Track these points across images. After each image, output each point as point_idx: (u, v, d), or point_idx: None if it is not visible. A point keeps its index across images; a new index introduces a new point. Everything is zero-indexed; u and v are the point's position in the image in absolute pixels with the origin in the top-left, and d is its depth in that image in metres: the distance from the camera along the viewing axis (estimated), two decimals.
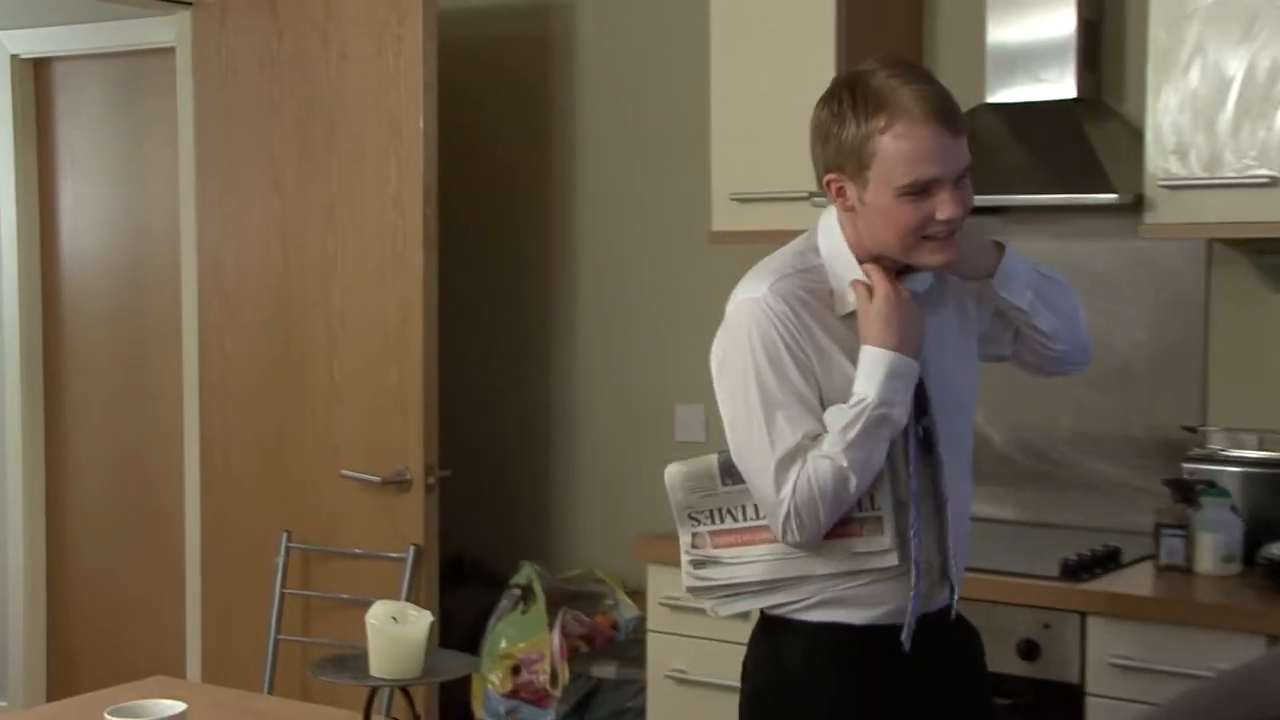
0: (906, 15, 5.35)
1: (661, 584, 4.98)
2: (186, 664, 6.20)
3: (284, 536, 5.57)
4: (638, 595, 5.45)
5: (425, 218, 5.35)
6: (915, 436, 3.20)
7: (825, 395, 3.15)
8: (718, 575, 3.39)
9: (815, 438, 3.13)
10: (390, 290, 5.45)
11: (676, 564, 4.90)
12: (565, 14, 6.08)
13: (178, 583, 6.32)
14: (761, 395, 3.14)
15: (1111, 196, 4.43)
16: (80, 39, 6.69)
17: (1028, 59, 4.94)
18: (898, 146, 2.99)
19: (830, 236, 3.23)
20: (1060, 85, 4.89)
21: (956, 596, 3.32)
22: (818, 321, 3.18)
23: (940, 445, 3.23)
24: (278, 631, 5.52)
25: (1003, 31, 4.95)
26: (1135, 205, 4.45)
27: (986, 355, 3.47)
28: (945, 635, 3.31)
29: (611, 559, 5.90)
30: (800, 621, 3.28)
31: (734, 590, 3.38)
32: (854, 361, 3.13)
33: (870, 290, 3.15)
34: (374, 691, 1.63)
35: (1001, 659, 4.32)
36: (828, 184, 3.16)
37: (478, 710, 5.49)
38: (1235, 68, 4.40)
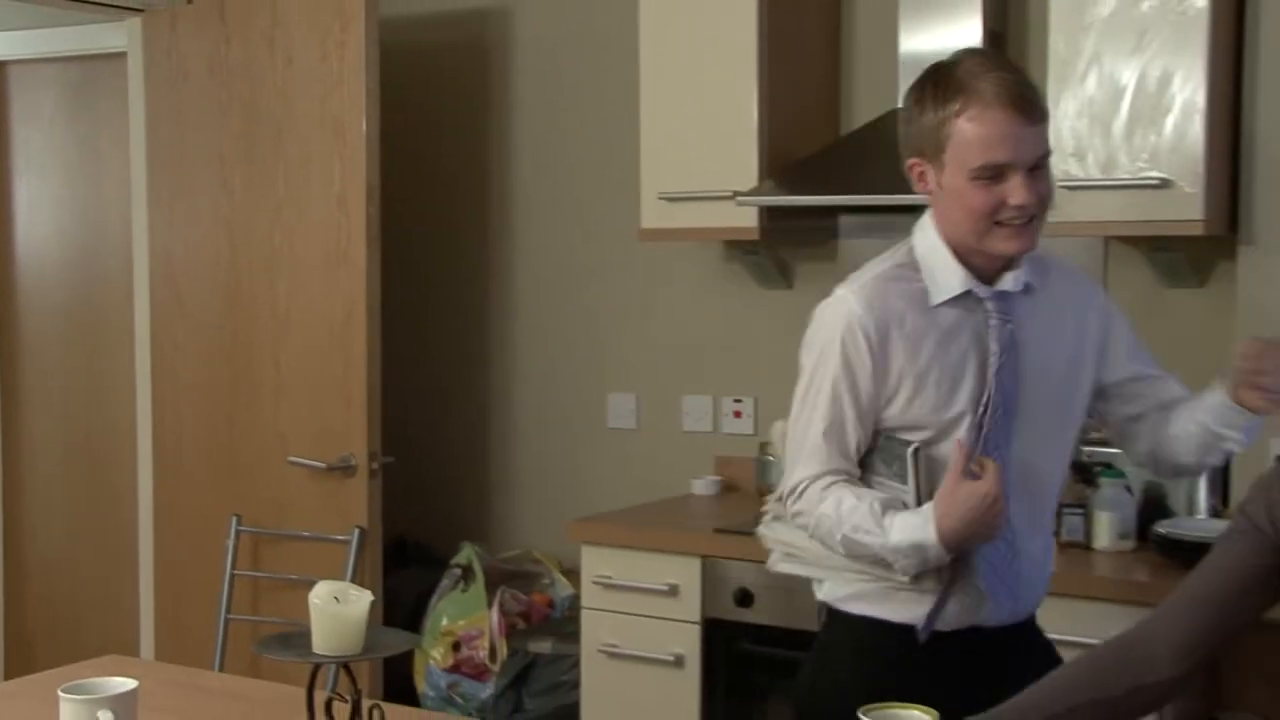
0: (824, 25, 5.38)
1: (594, 563, 5.00)
2: (140, 643, 6.18)
3: (233, 520, 5.56)
4: (572, 574, 5.46)
5: (368, 217, 5.35)
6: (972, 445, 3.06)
7: (904, 380, 3.08)
8: (781, 533, 3.34)
9: (838, 471, 3.14)
10: (335, 285, 5.45)
11: (608, 545, 4.97)
12: (502, 22, 6.09)
13: (131, 565, 6.31)
14: (829, 403, 3.13)
15: None
16: (35, 43, 6.65)
17: None
18: (971, 130, 2.94)
19: (926, 232, 3.15)
20: None
21: (1019, 613, 3.20)
22: (902, 319, 3.10)
23: (1010, 454, 3.09)
24: (228, 611, 5.51)
25: (914, 40, 4.97)
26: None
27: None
28: (1005, 651, 3.15)
29: (547, 540, 5.90)
30: (845, 614, 3.25)
31: (790, 551, 3.34)
32: (939, 349, 3.08)
33: (969, 458, 2.98)
34: (316, 668, 1.65)
35: None
36: (910, 168, 3.12)
37: (420, 685, 5.49)
38: (1128, 77, 4.47)
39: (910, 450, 3.06)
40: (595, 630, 5.02)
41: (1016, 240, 3.00)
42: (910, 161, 3.10)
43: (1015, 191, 2.94)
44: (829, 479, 3.14)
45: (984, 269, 3.09)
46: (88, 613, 6.75)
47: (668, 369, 5.82)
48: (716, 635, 4.80)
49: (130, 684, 2.55)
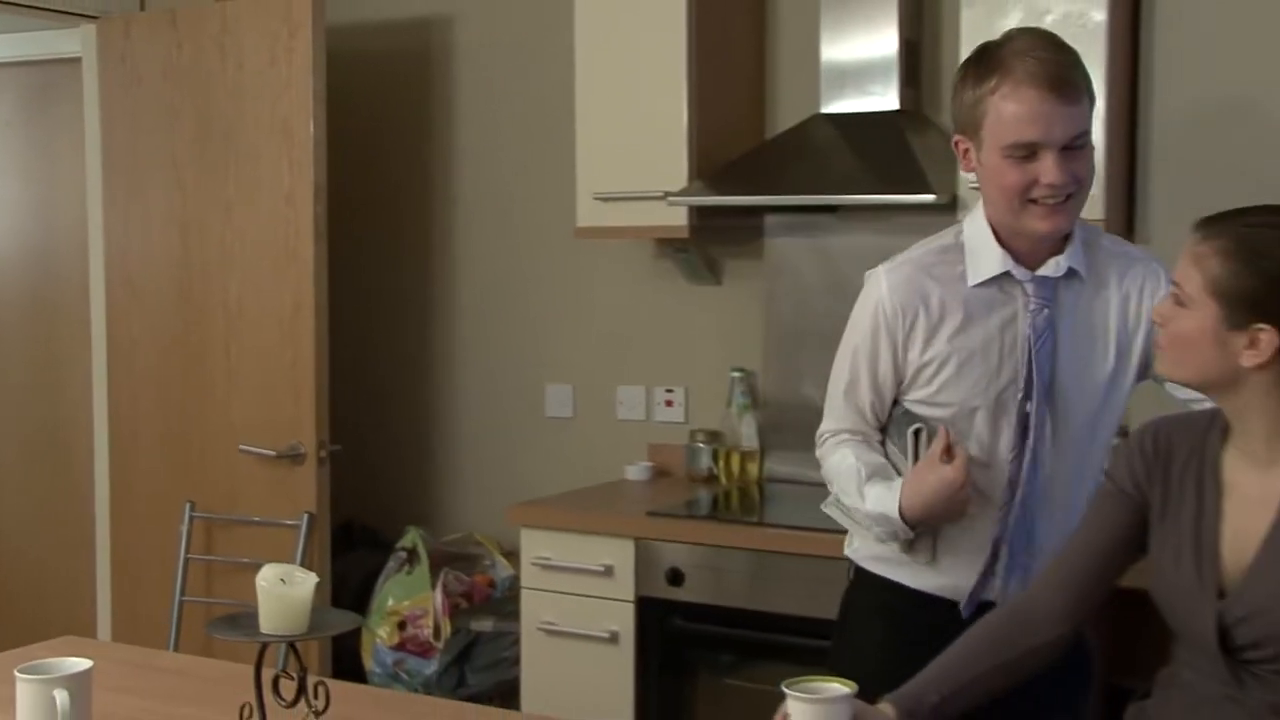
0: (749, 35, 5.39)
1: (533, 545, 5.00)
2: (97, 625, 6.17)
3: (187, 506, 5.54)
4: (512, 556, 5.47)
5: (315, 215, 5.36)
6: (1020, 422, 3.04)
7: (928, 361, 3.05)
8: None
9: (854, 431, 3.20)
10: (284, 281, 5.46)
11: (546, 528, 4.98)
12: (444, 30, 6.09)
13: (89, 550, 6.29)
14: (850, 367, 3.18)
15: (930, 197, 4.46)
16: None
17: (856, 75, 4.98)
18: (1005, 107, 2.88)
19: (975, 215, 3.10)
20: (885, 98, 4.94)
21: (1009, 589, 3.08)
22: (929, 304, 3.05)
23: (1045, 439, 3.04)
24: (182, 594, 5.49)
25: (834, 50, 5.00)
26: (951, 204, 4.50)
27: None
28: None
29: (488, 524, 5.90)
30: (866, 572, 3.26)
31: (833, 494, 3.30)
32: (968, 334, 3.04)
33: (949, 451, 2.98)
34: (264, 647, 1.67)
35: (837, 605, 4.44)
36: (955, 145, 3.05)
37: (368, 662, 5.48)
38: None
39: (912, 430, 3.06)
40: (534, 609, 5.02)
41: (1050, 219, 2.94)
42: (956, 139, 3.05)
43: (1048, 170, 2.87)
44: (844, 435, 3.20)
45: (1028, 254, 3.02)
46: (47, 595, 6.73)
47: (603, 361, 5.83)
48: (649, 613, 4.81)
49: (85, 664, 2.54)
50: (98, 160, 5.98)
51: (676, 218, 5.10)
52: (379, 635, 5.45)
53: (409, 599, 5.47)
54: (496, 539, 5.77)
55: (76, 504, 6.48)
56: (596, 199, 5.22)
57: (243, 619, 1.70)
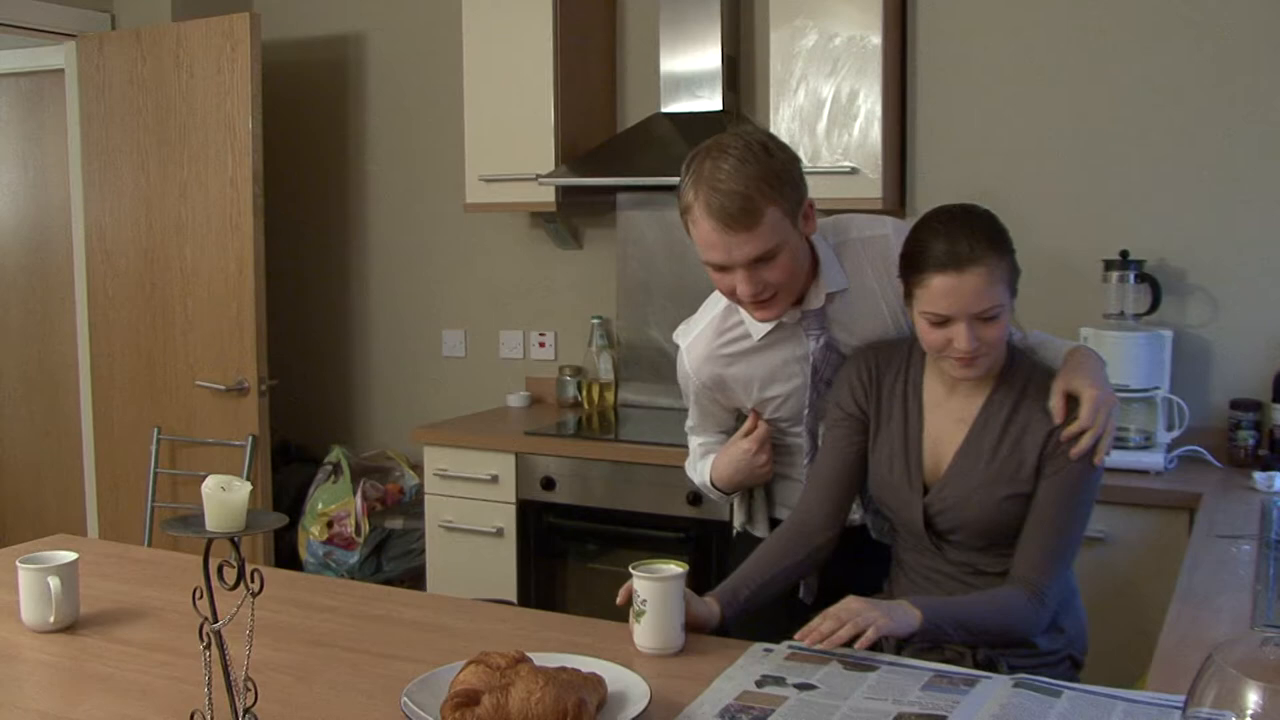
0: (603, 49, 5.38)
1: (434, 459, 5.00)
2: (86, 525, 6.13)
3: (155, 430, 5.54)
4: (417, 468, 5.46)
5: (254, 194, 5.33)
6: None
7: (745, 392, 2.87)
8: None
9: (701, 428, 3.06)
10: (229, 247, 5.43)
11: (444, 445, 4.96)
12: (358, 44, 6.04)
13: (78, 465, 6.25)
14: (693, 410, 3.01)
15: None
16: None
17: (688, 82, 4.99)
18: (694, 231, 2.55)
19: None
20: (711, 100, 4.96)
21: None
22: (730, 361, 2.84)
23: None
24: (153, 500, 5.48)
25: (671, 62, 5.01)
26: None
27: None
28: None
29: (398, 442, 5.92)
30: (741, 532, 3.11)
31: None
32: (771, 366, 2.81)
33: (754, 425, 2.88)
34: (209, 542, 1.73)
35: (676, 505, 4.48)
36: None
37: (303, 554, 5.47)
38: (827, 92, 4.54)
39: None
40: (436, 510, 5.03)
41: (761, 313, 2.64)
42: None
43: (740, 283, 2.53)
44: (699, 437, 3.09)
45: None
46: (44, 502, 6.69)
47: (488, 311, 5.83)
48: (528, 512, 4.83)
49: (72, 556, 2.58)
50: (78, 151, 5.88)
51: (546, 195, 5.10)
52: (311, 532, 5.43)
53: (335, 503, 5.46)
54: (405, 454, 5.78)
55: (67, 428, 6.44)
56: (482, 180, 5.22)
57: (192, 519, 1.75)
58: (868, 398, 2.69)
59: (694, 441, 3.12)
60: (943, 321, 2.42)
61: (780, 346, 2.79)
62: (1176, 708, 1.98)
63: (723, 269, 2.54)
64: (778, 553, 2.69)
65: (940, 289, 2.39)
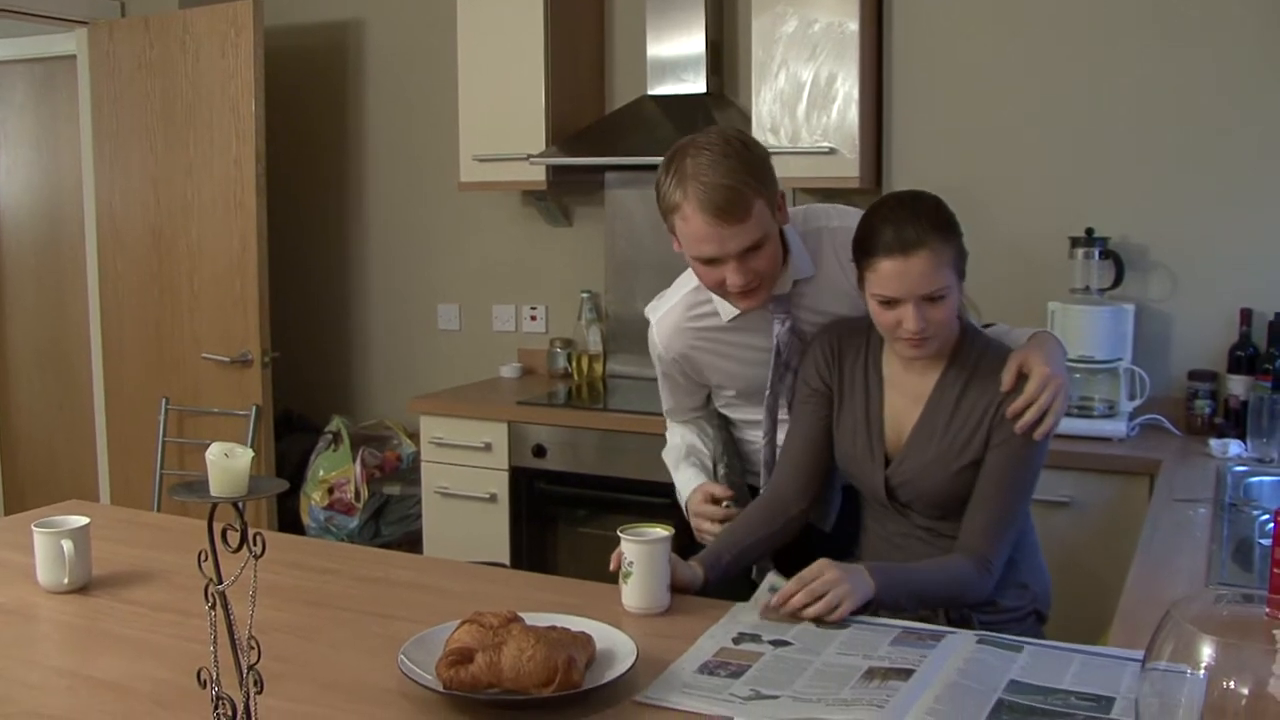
0: (592, 34, 5.37)
1: (430, 428, 5.00)
2: (99, 491, 6.14)
3: (163, 401, 5.53)
4: (414, 436, 5.44)
5: (257, 174, 5.32)
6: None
7: (709, 373, 2.87)
8: None
9: (678, 409, 3.04)
10: (233, 225, 5.42)
11: (440, 414, 4.96)
12: (358, 30, 6.03)
13: (91, 434, 6.25)
14: (663, 389, 2.99)
15: None
16: (8, 50, 6.47)
17: (674, 65, 4.99)
18: (684, 229, 2.51)
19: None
20: (695, 84, 4.96)
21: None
22: (697, 341, 2.82)
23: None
24: (161, 467, 5.50)
25: (657, 46, 5.01)
26: None
27: None
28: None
29: (396, 412, 5.91)
30: None
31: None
32: (737, 347, 2.80)
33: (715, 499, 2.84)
34: (214, 507, 1.73)
35: (662, 471, 4.47)
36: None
37: (305, 519, 5.47)
38: (806, 76, 4.54)
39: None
40: (432, 477, 5.04)
41: (744, 301, 2.60)
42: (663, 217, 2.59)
43: (731, 274, 2.51)
44: (682, 415, 3.07)
45: None
46: (58, 469, 6.68)
47: (482, 286, 5.83)
48: (520, 478, 4.84)
49: (85, 520, 2.58)
50: (89, 134, 5.88)
51: (537, 174, 5.10)
52: (313, 498, 5.44)
53: (335, 470, 5.46)
54: (402, 424, 5.76)
55: (80, 399, 6.42)
56: (475, 160, 5.22)
57: (197, 485, 1.74)
58: (830, 373, 2.70)
59: (673, 434, 3.10)
60: (891, 303, 2.43)
61: (746, 329, 2.79)
62: (1129, 660, 2.00)
63: (712, 262, 2.53)
64: (756, 522, 2.70)
65: (888, 272, 2.39)
